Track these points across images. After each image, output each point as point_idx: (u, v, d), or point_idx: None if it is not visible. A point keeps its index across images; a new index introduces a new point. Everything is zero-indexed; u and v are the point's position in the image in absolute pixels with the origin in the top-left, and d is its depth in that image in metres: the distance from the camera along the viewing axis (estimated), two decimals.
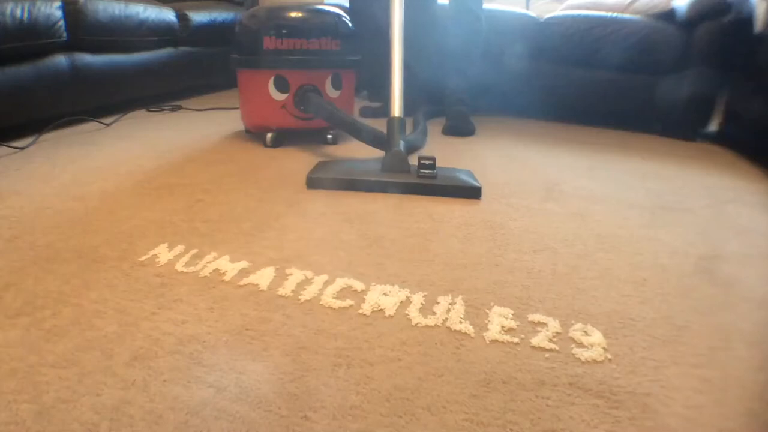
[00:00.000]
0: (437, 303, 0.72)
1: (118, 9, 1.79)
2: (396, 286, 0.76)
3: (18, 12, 1.39)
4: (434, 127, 1.84)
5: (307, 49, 1.44)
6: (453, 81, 1.96)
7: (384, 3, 2.26)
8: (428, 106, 2.04)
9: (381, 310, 0.70)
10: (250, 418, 0.50)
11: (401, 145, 1.22)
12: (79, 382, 0.54)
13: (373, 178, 1.15)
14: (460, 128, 1.81)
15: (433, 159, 1.17)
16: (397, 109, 1.26)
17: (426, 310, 0.70)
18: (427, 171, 1.15)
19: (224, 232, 0.92)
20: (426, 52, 2.00)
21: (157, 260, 0.81)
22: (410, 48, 2.00)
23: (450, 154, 1.53)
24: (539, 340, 0.64)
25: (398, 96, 1.26)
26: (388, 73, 1.27)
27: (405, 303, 0.71)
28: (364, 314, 0.68)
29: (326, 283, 0.76)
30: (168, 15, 2.09)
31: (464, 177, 1.19)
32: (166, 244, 0.86)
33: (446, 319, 0.68)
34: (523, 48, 2.08)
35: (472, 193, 1.14)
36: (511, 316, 0.69)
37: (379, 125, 1.43)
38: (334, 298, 0.72)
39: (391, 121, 1.25)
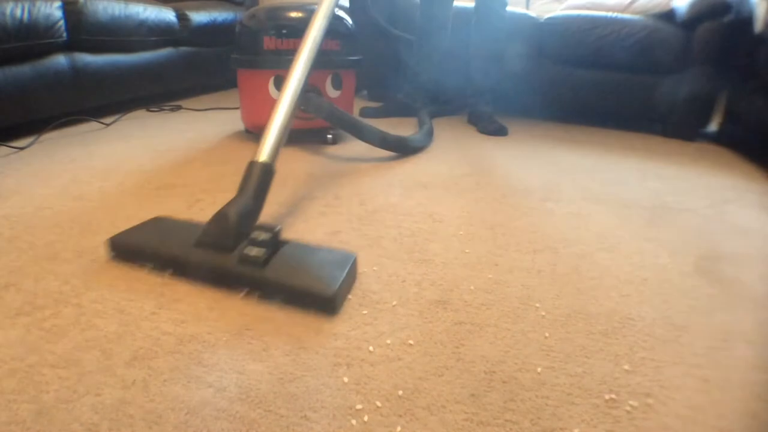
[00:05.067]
0: (437, 303, 0.72)
1: (118, 9, 1.79)
2: (395, 286, 0.76)
3: (18, 12, 1.39)
4: (453, 125, 1.84)
5: None
6: (477, 81, 1.99)
7: (384, 3, 2.26)
8: (431, 107, 2.05)
9: (380, 309, 0.70)
10: (250, 418, 0.50)
11: (244, 205, 0.79)
12: (79, 382, 0.54)
13: (177, 253, 0.75)
14: (496, 129, 1.85)
15: (275, 230, 0.74)
16: (266, 150, 0.86)
17: (426, 310, 0.70)
18: (253, 254, 0.70)
19: None
20: (432, 55, 2.01)
21: None
22: (416, 50, 2.03)
23: (451, 155, 1.53)
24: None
25: (276, 134, 0.88)
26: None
27: (404, 303, 0.71)
28: (364, 314, 0.68)
29: None
30: (168, 15, 2.09)
31: (319, 271, 0.71)
32: None
33: (446, 318, 0.68)
34: (523, 48, 2.08)
35: (318, 303, 0.67)
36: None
37: (380, 125, 1.43)
38: None
39: (250, 168, 0.84)
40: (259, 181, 0.82)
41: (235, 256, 0.72)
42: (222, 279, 0.72)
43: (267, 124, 0.89)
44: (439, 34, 1.98)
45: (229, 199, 0.80)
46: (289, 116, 0.90)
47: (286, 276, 0.69)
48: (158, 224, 0.85)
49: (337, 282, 0.68)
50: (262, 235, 0.73)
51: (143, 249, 0.77)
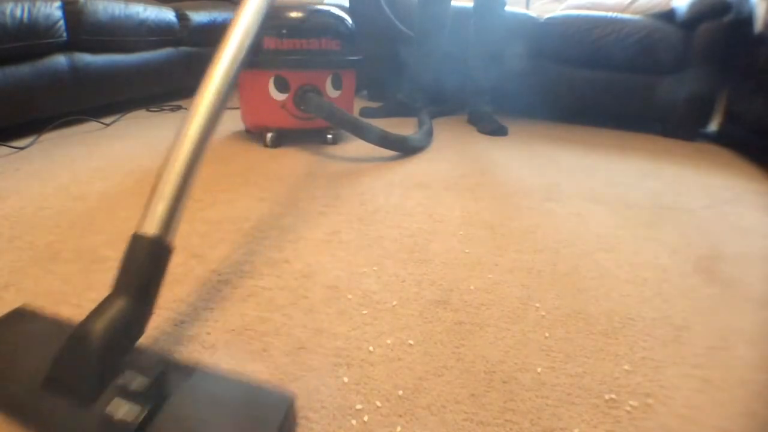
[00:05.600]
0: (437, 303, 0.72)
1: (118, 9, 1.79)
2: (396, 286, 0.76)
3: (18, 12, 1.39)
4: (453, 125, 1.84)
5: (307, 49, 1.44)
6: (477, 81, 1.99)
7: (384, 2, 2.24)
8: (431, 107, 2.05)
9: (380, 309, 0.70)
10: None
11: (119, 315, 0.46)
12: None
13: (12, 398, 0.48)
14: (496, 129, 1.85)
15: (157, 371, 0.45)
16: (157, 218, 0.57)
17: (425, 310, 0.70)
18: (120, 416, 0.42)
19: (224, 232, 0.92)
20: (431, 55, 2.01)
21: None
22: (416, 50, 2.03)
23: (451, 155, 1.53)
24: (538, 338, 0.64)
25: (172, 190, 0.59)
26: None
27: (404, 303, 0.71)
28: (364, 314, 0.68)
29: (326, 283, 0.76)
30: (168, 15, 2.09)
31: None
32: None
33: (446, 318, 0.68)
34: (523, 48, 2.08)
35: None
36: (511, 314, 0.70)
37: (380, 125, 1.43)
38: (333, 297, 0.72)
39: (132, 246, 0.53)
40: (144, 268, 0.51)
41: (97, 414, 0.42)
42: None
43: (159, 175, 0.57)
44: (438, 34, 1.98)
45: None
46: (194, 159, 0.59)
47: None
48: (10, 330, 0.55)
49: None
50: (137, 380, 0.43)
51: None
